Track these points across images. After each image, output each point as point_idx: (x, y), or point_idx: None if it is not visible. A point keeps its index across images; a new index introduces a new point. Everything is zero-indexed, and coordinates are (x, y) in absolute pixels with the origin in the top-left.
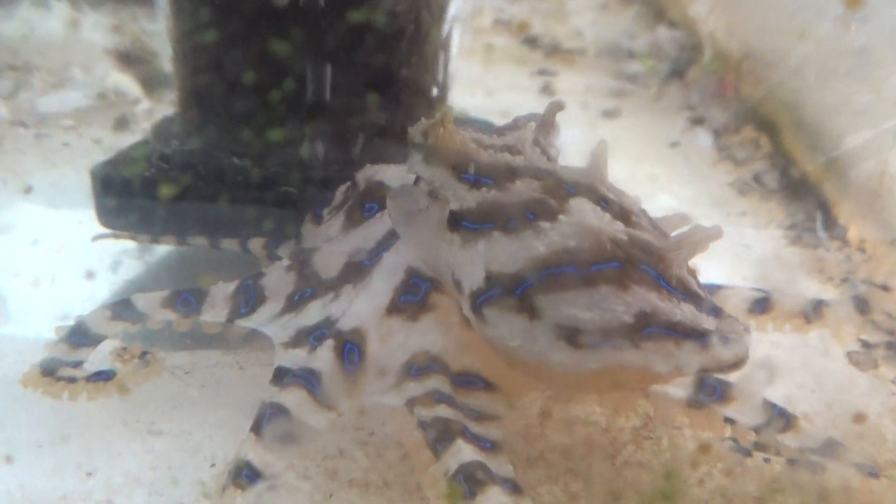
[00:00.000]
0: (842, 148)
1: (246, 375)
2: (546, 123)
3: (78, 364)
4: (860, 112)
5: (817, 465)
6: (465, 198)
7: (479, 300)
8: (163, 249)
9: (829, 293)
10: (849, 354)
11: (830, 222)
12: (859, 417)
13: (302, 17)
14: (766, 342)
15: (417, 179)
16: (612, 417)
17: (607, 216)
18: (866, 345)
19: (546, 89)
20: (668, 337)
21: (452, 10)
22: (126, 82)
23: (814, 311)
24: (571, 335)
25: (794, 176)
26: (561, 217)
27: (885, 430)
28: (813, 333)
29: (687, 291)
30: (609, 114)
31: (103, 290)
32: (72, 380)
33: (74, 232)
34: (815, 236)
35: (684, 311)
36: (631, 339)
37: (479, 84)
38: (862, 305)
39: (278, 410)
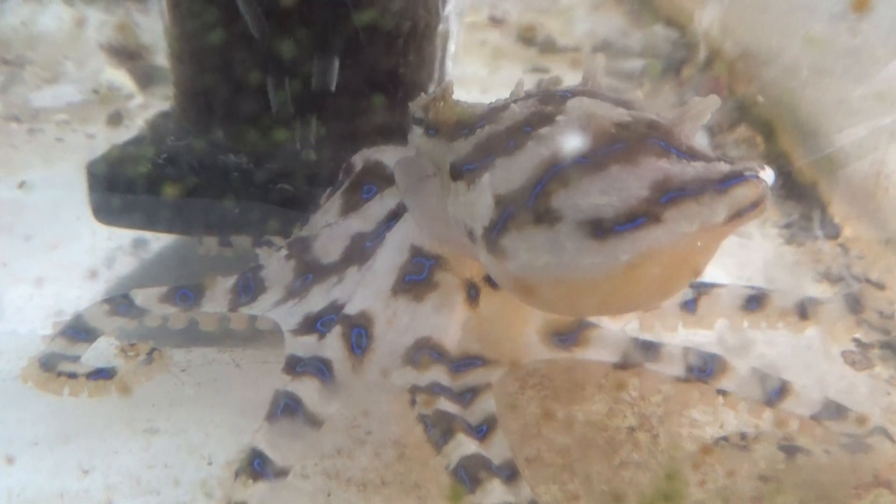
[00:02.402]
0: (837, 146)
1: (242, 373)
2: None
3: (75, 359)
4: (855, 110)
5: (862, 444)
6: (462, 147)
7: (494, 233)
8: (158, 245)
9: (825, 292)
10: (843, 354)
11: (826, 221)
12: (861, 420)
13: (308, 17)
14: (766, 343)
15: (418, 154)
16: (609, 417)
17: (608, 104)
18: (861, 344)
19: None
20: (685, 197)
21: (448, 7)
22: (120, 77)
23: (807, 310)
24: (595, 227)
25: (790, 175)
26: (559, 118)
27: None
28: (814, 334)
29: (695, 154)
30: None
31: (99, 286)
32: (72, 375)
33: (69, 228)
34: (810, 235)
35: (696, 167)
36: (653, 215)
37: (475, 81)
38: (855, 304)
39: (292, 400)
